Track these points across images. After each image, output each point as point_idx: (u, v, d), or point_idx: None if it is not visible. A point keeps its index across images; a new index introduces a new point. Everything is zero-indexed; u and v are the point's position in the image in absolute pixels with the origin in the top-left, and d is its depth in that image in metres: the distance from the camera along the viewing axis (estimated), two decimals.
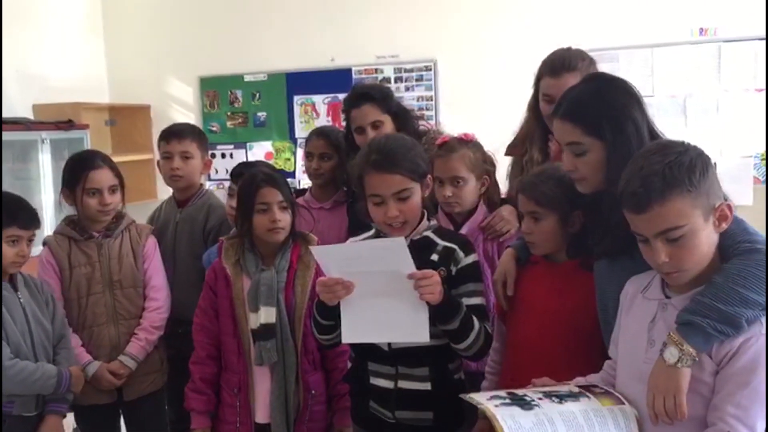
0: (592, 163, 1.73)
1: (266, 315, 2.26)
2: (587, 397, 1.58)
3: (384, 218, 1.97)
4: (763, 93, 4.21)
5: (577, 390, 1.61)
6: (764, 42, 4.16)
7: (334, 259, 1.91)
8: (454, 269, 1.98)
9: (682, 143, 1.52)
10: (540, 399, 1.55)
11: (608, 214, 1.70)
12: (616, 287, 1.74)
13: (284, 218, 2.31)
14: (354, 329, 1.93)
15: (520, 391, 1.62)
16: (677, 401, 1.45)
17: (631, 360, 1.61)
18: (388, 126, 2.73)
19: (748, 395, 1.43)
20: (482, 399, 1.57)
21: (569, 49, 2.41)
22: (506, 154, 2.55)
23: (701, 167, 1.46)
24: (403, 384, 2.00)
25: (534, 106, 2.45)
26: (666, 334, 1.48)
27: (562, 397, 1.57)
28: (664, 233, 1.47)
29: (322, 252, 1.96)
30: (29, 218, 2.35)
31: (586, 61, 2.36)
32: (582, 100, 1.75)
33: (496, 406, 1.52)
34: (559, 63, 2.36)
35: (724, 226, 1.50)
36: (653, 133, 1.74)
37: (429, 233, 2.03)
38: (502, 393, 1.62)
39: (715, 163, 1.53)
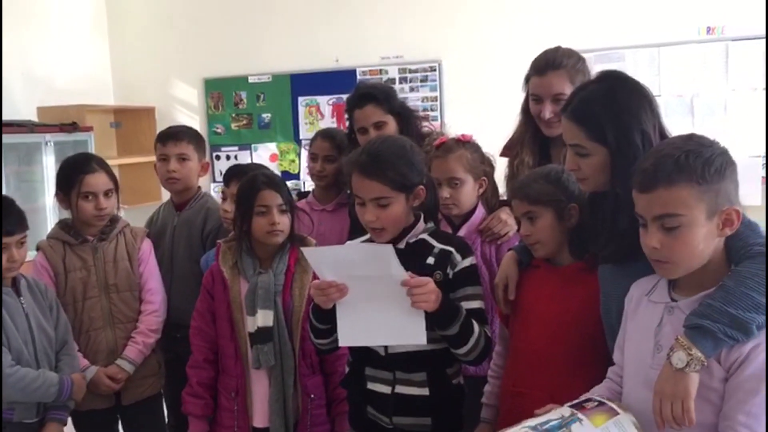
0: (594, 166, 1.70)
1: (263, 318, 2.25)
2: (579, 420, 1.51)
3: (362, 220, 1.96)
4: None
5: (569, 413, 1.55)
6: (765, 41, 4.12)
7: (326, 262, 1.89)
8: (450, 272, 1.95)
9: (711, 140, 1.50)
10: None
11: (614, 218, 1.67)
12: (621, 291, 1.70)
13: (283, 221, 2.30)
14: (350, 332, 1.91)
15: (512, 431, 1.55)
16: (685, 407, 1.41)
17: (638, 366, 1.57)
18: (392, 126, 2.71)
19: (759, 403, 1.39)
20: None
21: (557, 48, 2.39)
22: (501, 155, 2.53)
23: (719, 165, 1.43)
24: (401, 389, 1.98)
25: (526, 108, 2.43)
26: (673, 339, 1.45)
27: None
28: (661, 218, 1.45)
29: (313, 254, 1.94)
30: (11, 223, 2.31)
31: (572, 58, 2.34)
32: (590, 102, 1.70)
33: None
34: (543, 62, 2.34)
35: (728, 231, 1.47)
36: (663, 137, 1.70)
37: (425, 236, 2.00)
38: None
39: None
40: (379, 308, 1.86)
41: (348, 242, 2.16)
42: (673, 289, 1.55)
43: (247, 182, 2.34)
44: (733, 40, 4.31)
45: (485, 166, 2.38)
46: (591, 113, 1.69)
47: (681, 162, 1.43)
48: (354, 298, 1.87)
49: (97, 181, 2.62)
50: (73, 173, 2.62)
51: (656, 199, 1.45)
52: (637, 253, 1.54)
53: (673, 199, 1.43)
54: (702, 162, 1.42)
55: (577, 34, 4.34)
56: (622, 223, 1.62)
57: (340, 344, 1.97)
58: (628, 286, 1.68)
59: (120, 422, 2.79)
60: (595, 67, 2.52)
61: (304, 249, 1.96)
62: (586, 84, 1.82)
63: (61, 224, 2.70)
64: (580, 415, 1.52)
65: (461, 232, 2.34)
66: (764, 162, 4.04)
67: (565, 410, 1.56)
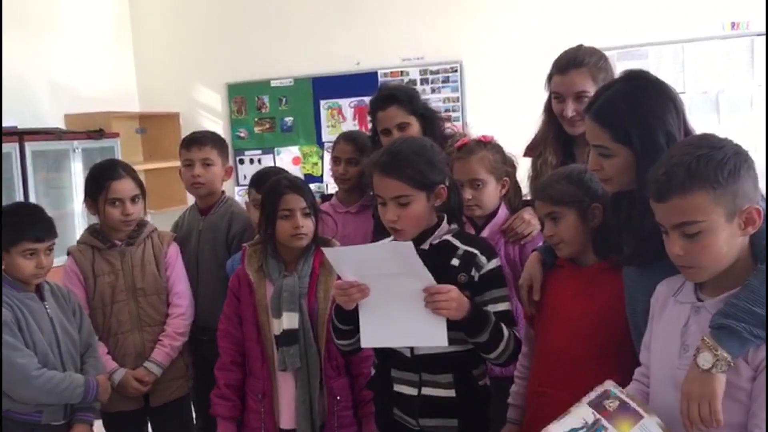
0: (617, 166, 1.70)
1: (289, 321, 2.27)
2: (604, 429, 1.50)
3: (384, 220, 1.97)
4: None
5: (592, 419, 1.53)
6: None
7: (347, 261, 1.90)
8: (476, 275, 1.95)
9: (723, 139, 1.48)
10: None
11: (641, 220, 1.65)
12: (646, 291, 1.69)
13: (307, 224, 2.32)
14: (372, 334, 1.93)
15: None
16: (712, 408, 1.40)
17: (665, 366, 1.57)
18: (415, 128, 2.71)
19: None
20: None
21: (579, 46, 2.38)
22: (524, 155, 2.52)
23: (733, 166, 1.42)
24: (427, 391, 1.98)
25: (548, 108, 2.42)
26: (700, 339, 1.44)
27: None
28: (681, 226, 1.44)
29: (334, 254, 1.95)
30: (41, 230, 2.35)
31: (594, 56, 2.33)
32: (614, 103, 1.69)
33: None
34: (565, 60, 2.33)
35: (751, 230, 1.46)
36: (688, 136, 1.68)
37: (449, 237, 2.00)
38: None
39: None
40: (400, 309, 1.86)
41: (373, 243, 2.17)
42: (699, 288, 1.54)
43: (271, 186, 2.37)
44: (758, 35, 4.25)
45: (507, 166, 2.38)
46: (615, 115, 1.68)
47: (693, 169, 1.42)
48: (375, 298, 1.88)
49: (124, 187, 2.66)
50: (101, 179, 2.67)
51: (673, 208, 1.44)
52: (661, 253, 1.53)
53: (689, 207, 1.42)
54: (714, 166, 1.41)
55: (599, 31, 4.33)
56: (647, 225, 1.60)
57: (363, 345, 1.98)
58: (654, 287, 1.67)
59: (149, 424, 2.82)
60: (618, 65, 2.52)
61: (325, 249, 1.97)
62: (610, 84, 1.80)
63: (90, 229, 2.75)
64: (604, 423, 1.50)
65: (484, 233, 2.34)
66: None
67: (587, 413, 1.54)
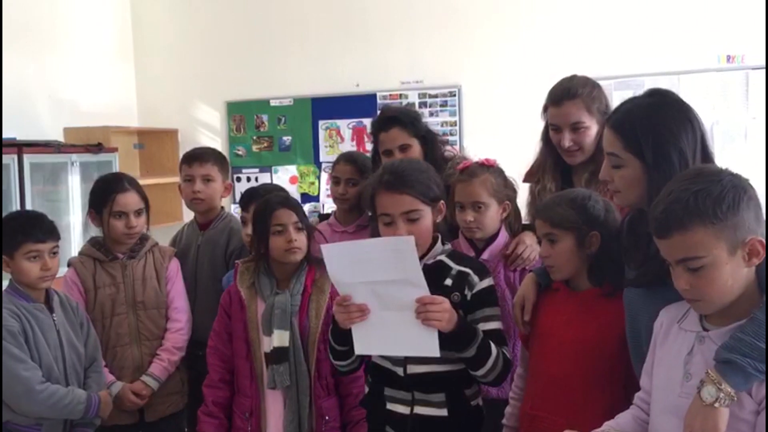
0: (627, 179, 1.70)
1: (279, 338, 2.26)
2: None
3: None
4: None
5: None
6: None
7: (342, 261, 1.88)
8: (468, 294, 1.97)
9: (720, 171, 1.48)
10: None
11: (647, 242, 1.65)
12: (650, 314, 1.69)
13: (300, 239, 2.32)
14: (365, 342, 1.93)
15: None
16: None
17: (667, 393, 1.56)
18: (416, 149, 2.73)
19: None
20: None
21: (572, 77, 2.41)
22: (524, 181, 2.54)
23: (732, 199, 1.41)
24: (420, 410, 1.99)
25: (546, 137, 2.45)
26: (704, 368, 1.43)
27: None
28: (684, 261, 1.45)
29: (330, 251, 1.91)
30: (44, 231, 2.35)
31: (587, 86, 2.35)
32: (632, 112, 1.71)
33: None
34: (559, 92, 2.36)
35: (755, 261, 1.45)
36: (707, 161, 1.68)
37: (443, 257, 2.02)
38: None
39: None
40: (393, 318, 1.86)
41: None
42: (704, 317, 1.53)
43: (262, 204, 2.38)
44: (753, 69, 4.30)
45: (508, 190, 2.39)
46: (630, 123, 1.69)
47: (691, 206, 1.41)
48: (370, 305, 1.88)
49: (128, 200, 2.67)
50: (106, 192, 2.68)
51: (674, 244, 1.44)
52: (667, 276, 1.53)
53: (690, 243, 1.42)
54: (712, 201, 1.41)
55: (596, 61, 4.38)
56: (654, 246, 1.59)
57: (356, 353, 1.97)
58: (657, 310, 1.66)
59: None
60: (615, 95, 2.54)
61: (322, 246, 1.94)
62: (633, 97, 1.80)
63: (92, 241, 2.76)
64: None
65: (485, 255, 2.35)
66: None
67: None
